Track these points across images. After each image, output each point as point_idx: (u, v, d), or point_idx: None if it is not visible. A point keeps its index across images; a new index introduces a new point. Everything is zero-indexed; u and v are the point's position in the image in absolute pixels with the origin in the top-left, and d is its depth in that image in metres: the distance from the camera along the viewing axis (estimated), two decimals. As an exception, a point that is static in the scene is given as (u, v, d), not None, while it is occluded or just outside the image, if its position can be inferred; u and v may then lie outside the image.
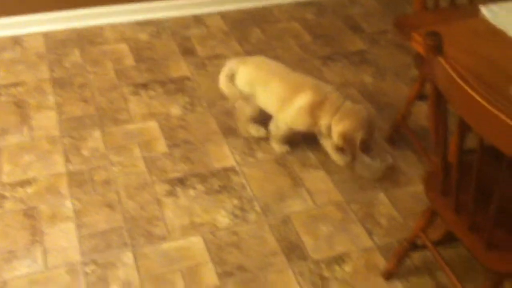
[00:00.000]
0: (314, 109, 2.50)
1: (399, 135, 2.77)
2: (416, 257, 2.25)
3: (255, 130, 2.76)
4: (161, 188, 2.51)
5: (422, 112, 2.94)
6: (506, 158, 1.42)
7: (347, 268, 2.21)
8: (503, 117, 1.34)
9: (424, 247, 2.11)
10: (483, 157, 1.54)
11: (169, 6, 3.71)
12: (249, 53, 3.40)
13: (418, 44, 2.00)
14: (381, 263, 2.24)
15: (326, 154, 2.72)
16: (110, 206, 2.42)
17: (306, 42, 3.54)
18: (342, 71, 3.28)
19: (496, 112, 1.36)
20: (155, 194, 2.48)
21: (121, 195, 2.47)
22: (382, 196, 2.51)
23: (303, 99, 2.50)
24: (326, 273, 2.19)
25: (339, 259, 2.24)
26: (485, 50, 1.89)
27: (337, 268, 2.21)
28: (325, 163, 2.67)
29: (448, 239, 2.23)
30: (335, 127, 2.48)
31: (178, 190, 2.51)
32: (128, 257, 2.22)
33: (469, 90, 1.42)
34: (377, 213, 2.44)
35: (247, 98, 2.64)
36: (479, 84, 1.47)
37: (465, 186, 1.68)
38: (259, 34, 3.59)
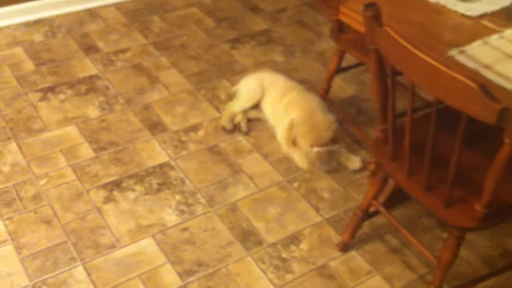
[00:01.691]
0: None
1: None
2: (365, 224, 2.32)
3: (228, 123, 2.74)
4: (97, 195, 2.39)
5: (336, 85, 3.02)
6: (457, 118, 1.50)
7: (303, 246, 2.25)
8: (459, 77, 1.41)
9: (374, 214, 2.19)
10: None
11: (58, 2, 3.50)
12: (155, 44, 3.30)
13: (346, 17, 2.05)
14: (333, 235, 2.29)
15: (256, 137, 2.72)
16: (46, 222, 2.27)
17: (210, 26, 3.50)
18: (252, 53, 3.28)
19: (452, 73, 1.42)
20: (93, 203, 2.36)
21: (55, 209, 2.32)
22: (319, 170, 2.56)
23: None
24: (284, 255, 2.21)
25: (294, 239, 2.27)
26: (411, 15, 1.97)
27: (294, 247, 2.24)
28: (258, 146, 2.68)
29: (392, 201, 2.33)
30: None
31: (116, 194, 2.40)
32: (79, 272, 2.10)
33: (423, 56, 1.48)
34: (319, 188, 2.49)
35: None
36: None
37: (415, 149, 1.76)
38: (160, 23, 3.50)
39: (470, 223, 1.72)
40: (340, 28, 2.47)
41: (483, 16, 1.94)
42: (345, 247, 2.24)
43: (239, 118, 2.75)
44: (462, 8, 1.95)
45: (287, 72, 3.13)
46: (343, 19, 2.02)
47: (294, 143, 2.53)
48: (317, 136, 2.47)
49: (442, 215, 1.76)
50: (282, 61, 3.23)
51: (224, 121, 2.74)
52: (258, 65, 3.18)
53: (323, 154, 2.49)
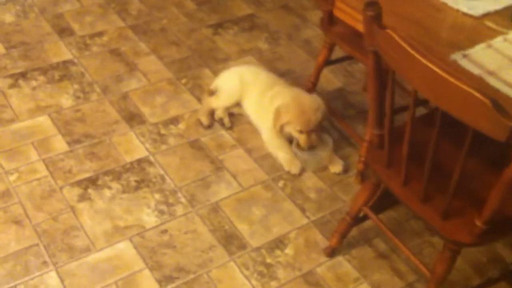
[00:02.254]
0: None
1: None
2: (353, 228, 2.23)
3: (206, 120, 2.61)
4: (71, 193, 2.25)
5: (323, 76, 2.90)
6: (456, 124, 1.40)
7: (289, 250, 2.15)
8: (470, 90, 1.31)
9: (363, 219, 2.10)
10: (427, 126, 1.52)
11: (31, -20, 3.30)
12: (134, 27, 3.13)
13: (341, 12, 1.92)
14: (320, 239, 2.20)
15: (240, 131, 2.60)
16: (16, 222, 2.13)
17: (191, 10, 3.34)
18: (235, 39, 3.14)
19: (462, 85, 1.32)
20: (66, 201, 2.22)
21: (26, 208, 2.18)
22: (307, 171, 2.46)
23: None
24: (269, 260, 2.11)
25: (279, 243, 2.17)
26: (407, 11, 1.85)
27: (278, 252, 2.14)
28: (241, 140, 2.56)
29: (379, 205, 2.24)
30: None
31: (91, 192, 2.26)
32: (52, 277, 1.97)
33: (429, 64, 1.37)
34: (305, 187, 2.39)
35: None
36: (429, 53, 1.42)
37: (411, 156, 1.66)
38: (138, 5, 3.33)
39: (467, 238, 1.63)
40: (330, 20, 2.35)
41: (485, 15, 1.83)
42: (332, 252, 2.15)
43: (220, 113, 2.62)
44: (464, 6, 1.84)
45: (272, 61, 3.00)
46: (338, 14, 1.89)
47: (281, 131, 2.42)
48: (305, 119, 2.37)
49: (438, 228, 1.67)
50: (266, 49, 3.09)
51: (202, 116, 2.60)
52: (242, 54, 3.04)
53: (312, 141, 2.38)
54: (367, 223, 2.23)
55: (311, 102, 2.43)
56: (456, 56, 1.64)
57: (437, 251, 2.20)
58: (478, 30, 1.78)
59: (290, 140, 2.48)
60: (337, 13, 1.90)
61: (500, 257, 2.20)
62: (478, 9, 1.84)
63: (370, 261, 2.15)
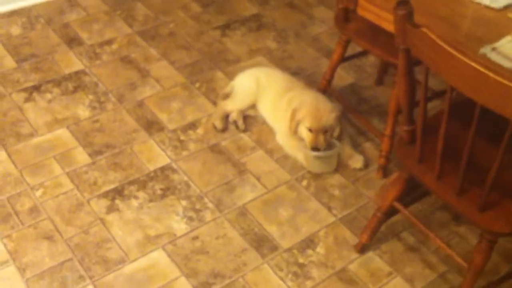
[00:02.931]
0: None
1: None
2: (381, 223, 2.25)
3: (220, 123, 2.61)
4: (98, 205, 2.26)
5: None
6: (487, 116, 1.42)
7: (320, 249, 2.17)
8: (505, 82, 1.33)
9: (393, 213, 2.11)
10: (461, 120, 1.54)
11: (34, -9, 3.28)
12: (142, 33, 3.13)
13: (364, 10, 1.93)
14: (348, 235, 2.22)
15: (258, 133, 2.61)
16: (48, 237, 2.13)
17: (197, 12, 3.34)
18: (244, 40, 3.15)
19: (502, 80, 1.34)
20: (95, 213, 2.23)
21: (56, 222, 2.18)
22: (323, 171, 2.47)
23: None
24: (301, 260, 2.13)
25: (309, 242, 2.19)
26: (436, 9, 1.87)
27: (310, 251, 2.16)
28: (260, 142, 2.57)
29: (407, 199, 2.26)
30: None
31: (119, 203, 2.27)
32: (89, 291, 1.98)
33: (467, 60, 1.39)
34: (328, 185, 2.40)
35: None
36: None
37: (445, 152, 1.68)
38: (144, 10, 3.32)
39: (506, 228, 1.66)
40: (345, 17, 2.36)
41: (508, 7, 1.85)
42: (362, 249, 2.17)
43: (235, 116, 2.62)
44: (485, -1, 1.86)
45: (282, 60, 3.01)
46: (361, 12, 1.90)
47: (296, 131, 2.43)
48: (316, 117, 2.37)
49: (476, 220, 1.69)
50: (275, 48, 3.10)
51: (216, 120, 2.60)
52: (252, 54, 3.05)
53: (318, 142, 2.37)
54: (394, 217, 2.25)
55: (326, 103, 2.44)
56: (485, 50, 1.66)
57: (464, 241, 2.22)
58: (501, 22, 1.80)
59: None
60: (360, 11, 1.91)
61: (527, 243, 2.23)
62: (499, 2, 1.85)
63: (401, 255, 2.17)
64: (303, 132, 2.41)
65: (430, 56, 1.50)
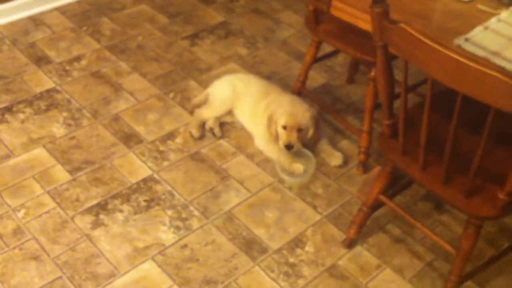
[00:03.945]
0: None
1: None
2: (366, 218, 2.29)
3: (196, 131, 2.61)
4: (83, 221, 2.23)
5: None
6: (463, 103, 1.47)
7: (309, 248, 2.19)
8: (492, 72, 1.38)
9: (378, 207, 2.15)
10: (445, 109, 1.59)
11: (-4, 11, 3.23)
12: (110, 48, 3.11)
13: (338, 10, 1.97)
14: (335, 232, 2.25)
15: (238, 138, 2.63)
16: (35, 257, 2.10)
17: (164, 23, 3.34)
18: (213, 48, 3.16)
19: (483, 68, 1.39)
20: (80, 230, 2.20)
21: (41, 242, 2.15)
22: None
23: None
24: (292, 259, 2.14)
25: (298, 242, 2.21)
26: (407, 5, 1.91)
27: (299, 251, 2.18)
28: (240, 147, 2.58)
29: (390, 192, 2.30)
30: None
31: (104, 218, 2.25)
32: (82, 308, 1.96)
33: (447, 52, 1.44)
34: (311, 185, 2.43)
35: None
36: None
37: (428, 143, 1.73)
38: (110, 25, 3.30)
39: (492, 212, 1.71)
40: (316, 19, 2.40)
41: (474, -1, 1.91)
42: (350, 244, 2.20)
43: (211, 123, 2.63)
44: (454, -8, 1.92)
45: (254, 65, 3.04)
46: (334, 12, 1.94)
47: (275, 135, 2.44)
48: (291, 115, 2.40)
49: (462, 206, 1.74)
50: (246, 54, 3.12)
51: (193, 128, 2.61)
52: (223, 61, 3.06)
53: (292, 138, 2.39)
54: (378, 211, 2.29)
55: (302, 103, 2.47)
56: (459, 41, 1.71)
57: (448, 228, 2.28)
58: (471, 14, 1.86)
59: None
60: (334, 12, 1.94)
61: (507, 227, 2.30)
62: (467, -6, 1.91)
63: (388, 247, 2.21)
64: (279, 132, 2.43)
65: (409, 50, 1.55)
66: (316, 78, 2.98)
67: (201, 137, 2.60)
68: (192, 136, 2.59)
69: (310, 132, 2.45)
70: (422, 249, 2.21)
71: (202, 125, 2.63)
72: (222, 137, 2.61)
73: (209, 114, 2.63)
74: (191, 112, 2.71)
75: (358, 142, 2.50)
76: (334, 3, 1.93)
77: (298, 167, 2.43)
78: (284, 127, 2.40)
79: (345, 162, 2.52)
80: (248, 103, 2.59)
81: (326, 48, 2.91)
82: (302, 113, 2.42)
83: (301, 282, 2.07)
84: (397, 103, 1.78)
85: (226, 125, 2.67)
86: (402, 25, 1.52)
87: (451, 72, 1.45)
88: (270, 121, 2.45)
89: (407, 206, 2.37)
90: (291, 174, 2.42)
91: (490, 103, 1.42)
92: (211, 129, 2.63)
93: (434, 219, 2.32)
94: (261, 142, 2.54)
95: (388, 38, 1.60)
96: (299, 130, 2.41)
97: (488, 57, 1.66)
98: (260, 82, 2.66)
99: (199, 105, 2.69)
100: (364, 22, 1.85)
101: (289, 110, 2.41)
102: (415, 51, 1.52)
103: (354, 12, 1.88)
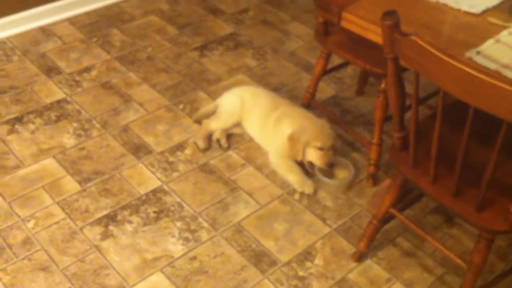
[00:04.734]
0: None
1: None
2: (376, 230, 2.28)
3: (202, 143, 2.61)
4: (92, 232, 2.23)
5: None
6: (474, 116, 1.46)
7: (318, 261, 2.18)
8: (505, 86, 1.37)
9: (388, 220, 2.14)
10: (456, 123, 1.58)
11: (7, 23, 3.25)
12: (120, 59, 3.12)
13: (349, 22, 1.97)
14: (345, 245, 2.24)
15: (247, 149, 2.62)
16: (44, 269, 2.10)
17: (173, 34, 3.35)
18: (222, 59, 3.17)
19: (496, 82, 1.38)
20: (89, 241, 2.20)
21: (51, 253, 2.15)
22: (317, 179, 2.49)
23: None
24: (301, 273, 2.13)
25: (307, 254, 2.20)
26: (415, 16, 1.92)
27: (309, 264, 2.17)
28: (249, 159, 2.58)
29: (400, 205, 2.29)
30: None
31: (113, 229, 2.25)
32: (91, 320, 1.95)
33: (459, 65, 1.43)
34: (320, 197, 2.42)
35: None
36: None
37: (438, 155, 1.72)
38: (120, 36, 3.32)
39: (504, 226, 1.69)
40: (326, 31, 2.40)
41: (486, 11, 1.91)
42: (360, 257, 2.19)
43: (218, 135, 2.63)
44: (465, 5, 1.92)
45: (263, 77, 3.04)
46: (345, 25, 1.94)
47: (300, 153, 2.43)
48: (325, 134, 2.42)
49: (474, 220, 1.73)
50: (255, 65, 3.13)
51: (199, 140, 2.60)
52: (232, 72, 3.07)
53: (330, 158, 2.42)
54: (388, 224, 2.28)
55: (323, 122, 2.48)
56: (471, 54, 1.71)
57: (458, 242, 2.26)
58: (482, 26, 1.85)
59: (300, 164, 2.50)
60: (344, 24, 1.95)
61: (518, 240, 2.28)
62: (478, 7, 1.91)
63: (398, 261, 2.19)
64: (312, 154, 2.42)
65: (420, 63, 1.54)
66: (325, 90, 2.97)
67: (207, 148, 2.60)
68: (197, 147, 2.59)
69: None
70: (432, 262, 2.19)
71: (209, 137, 2.63)
72: (230, 148, 2.61)
73: (216, 125, 2.63)
74: (196, 122, 2.71)
75: (367, 154, 2.49)
76: (344, 15, 1.93)
77: (309, 188, 2.42)
78: (321, 148, 2.39)
79: (355, 174, 2.51)
80: (257, 116, 2.58)
81: (335, 59, 2.91)
82: (331, 132, 2.45)
83: (310, 295, 2.06)
84: (407, 115, 1.77)
85: (235, 137, 2.67)
86: (413, 37, 1.51)
87: (463, 84, 1.44)
88: (295, 142, 2.43)
89: (417, 219, 2.35)
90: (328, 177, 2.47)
91: (502, 116, 1.41)
92: (218, 141, 2.63)
93: (444, 232, 2.31)
94: (276, 158, 2.52)
95: (399, 50, 1.60)
96: (333, 148, 2.43)
97: (499, 70, 1.66)
98: (269, 95, 2.66)
99: (206, 116, 2.69)
100: (375, 34, 1.85)
101: (323, 132, 2.42)
102: (426, 64, 1.51)
103: (365, 24, 1.88)
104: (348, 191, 2.45)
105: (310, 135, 2.39)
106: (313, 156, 2.41)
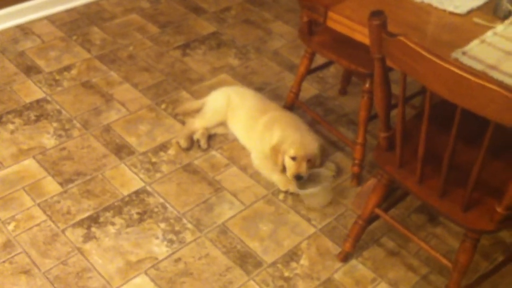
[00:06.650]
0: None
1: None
2: (361, 230, 2.27)
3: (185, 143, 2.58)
4: (74, 235, 2.20)
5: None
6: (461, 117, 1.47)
7: (303, 261, 2.17)
8: (493, 87, 1.37)
9: (373, 220, 2.14)
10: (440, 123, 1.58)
11: (-16, 20, 3.19)
12: (101, 57, 3.08)
13: (335, 22, 1.96)
14: (330, 245, 2.23)
15: (231, 150, 2.60)
16: (25, 271, 2.06)
17: (155, 33, 3.32)
18: (205, 58, 3.14)
19: (484, 83, 1.38)
20: (72, 243, 2.16)
21: (32, 256, 2.11)
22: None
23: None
24: (287, 273, 2.12)
25: (293, 255, 2.19)
26: (400, 17, 1.91)
27: (294, 264, 2.16)
28: (233, 159, 2.56)
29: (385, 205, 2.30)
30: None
31: (95, 230, 2.21)
32: (74, 324, 1.92)
33: (447, 66, 1.43)
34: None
35: None
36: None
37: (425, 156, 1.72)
38: (100, 34, 3.27)
39: (489, 225, 1.70)
40: (310, 30, 2.39)
41: (470, 12, 1.91)
42: (345, 257, 2.18)
43: (199, 135, 2.60)
44: (449, 5, 1.92)
45: (246, 76, 3.02)
46: (331, 24, 1.93)
47: (280, 159, 2.40)
48: (302, 147, 2.36)
49: (460, 220, 1.73)
50: (238, 64, 3.11)
51: (181, 138, 2.58)
52: (215, 72, 3.04)
53: (301, 169, 2.35)
54: (372, 224, 2.28)
55: (309, 131, 2.46)
56: (457, 54, 1.71)
57: (442, 241, 2.27)
58: (467, 27, 1.86)
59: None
60: (330, 23, 1.94)
61: (501, 239, 2.30)
62: (463, 7, 1.92)
63: (383, 260, 2.19)
64: (286, 162, 2.40)
65: (407, 63, 1.54)
66: (308, 89, 2.97)
67: (189, 148, 2.57)
68: (179, 146, 2.56)
69: (318, 161, 2.43)
70: (417, 262, 2.20)
71: (192, 137, 2.61)
72: (213, 148, 2.58)
73: (200, 123, 2.60)
74: (178, 116, 2.68)
75: (351, 154, 2.49)
76: (330, 15, 1.92)
77: (293, 187, 2.39)
78: (293, 158, 2.37)
79: (338, 172, 2.51)
80: (244, 117, 2.56)
81: (318, 59, 2.90)
82: (311, 143, 2.40)
83: (296, 296, 2.05)
84: (391, 114, 1.77)
85: (218, 137, 2.65)
86: (401, 37, 1.51)
87: (450, 85, 1.44)
88: (277, 151, 2.40)
89: (402, 218, 2.36)
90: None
91: (489, 117, 1.42)
92: (198, 141, 2.60)
93: (428, 231, 2.31)
94: (258, 159, 2.50)
95: (386, 51, 1.59)
96: (308, 160, 2.38)
97: (485, 70, 1.66)
98: (257, 96, 2.64)
99: (190, 114, 2.67)
100: (361, 35, 1.84)
101: (298, 141, 2.37)
102: (413, 64, 1.51)
103: (351, 24, 1.87)
104: (323, 206, 2.38)
105: (288, 143, 2.37)
106: (286, 164, 2.39)
